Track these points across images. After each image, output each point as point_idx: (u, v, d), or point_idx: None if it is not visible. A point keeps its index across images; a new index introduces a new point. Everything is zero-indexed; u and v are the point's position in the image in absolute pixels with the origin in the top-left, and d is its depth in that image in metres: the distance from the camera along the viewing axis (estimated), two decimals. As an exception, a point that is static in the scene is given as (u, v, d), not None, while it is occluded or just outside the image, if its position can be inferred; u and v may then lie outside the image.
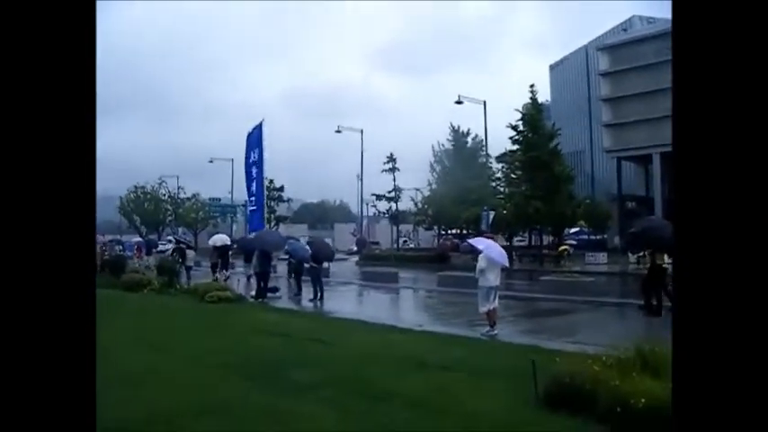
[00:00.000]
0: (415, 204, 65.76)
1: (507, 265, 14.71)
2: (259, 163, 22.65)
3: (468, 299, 22.05)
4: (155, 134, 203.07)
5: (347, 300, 23.25)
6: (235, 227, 69.52)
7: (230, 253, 30.05)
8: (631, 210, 68.37)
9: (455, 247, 51.02)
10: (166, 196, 79.91)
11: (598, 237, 65.72)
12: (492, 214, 47.48)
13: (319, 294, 20.93)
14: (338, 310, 17.85)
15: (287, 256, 24.45)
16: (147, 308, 16.61)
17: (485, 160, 65.59)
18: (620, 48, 79.38)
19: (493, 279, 13.33)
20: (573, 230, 64.20)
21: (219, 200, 69.20)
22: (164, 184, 79.75)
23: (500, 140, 61.78)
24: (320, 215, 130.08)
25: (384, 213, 66.85)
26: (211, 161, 67.58)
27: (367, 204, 66.65)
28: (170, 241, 35.59)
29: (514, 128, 52.67)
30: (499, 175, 58.77)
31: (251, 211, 24.68)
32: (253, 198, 23.96)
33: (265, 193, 23.46)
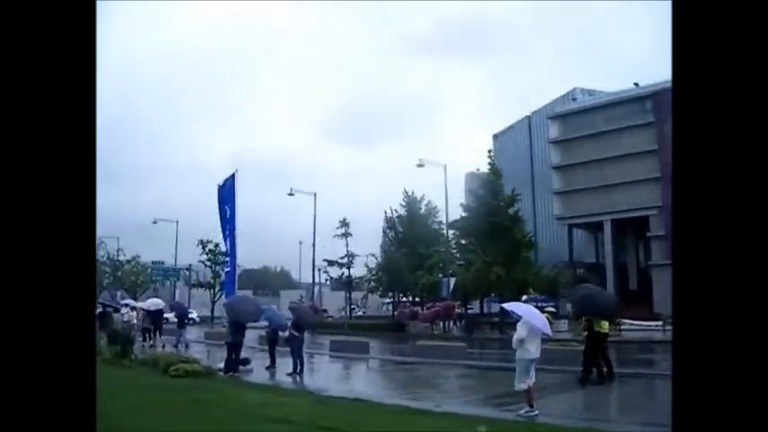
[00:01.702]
0: (369, 270, 63.80)
1: (550, 334, 12.90)
2: (231, 219, 20.47)
3: (463, 371, 20.39)
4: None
5: (328, 374, 20.96)
6: (177, 291, 66.69)
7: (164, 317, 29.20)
8: (582, 276, 67.36)
9: (413, 315, 48.91)
10: (105, 258, 76.27)
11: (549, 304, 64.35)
12: (452, 281, 45.79)
13: (299, 367, 18.61)
14: (327, 386, 15.41)
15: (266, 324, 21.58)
16: (101, 385, 14.08)
17: (438, 227, 64.68)
18: (570, 116, 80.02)
19: (534, 350, 11.38)
20: (523, 297, 62.88)
21: (163, 263, 66.36)
22: (102, 245, 76.13)
23: (450, 207, 61.55)
24: (260, 281, 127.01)
25: (335, 279, 64.67)
26: (155, 222, 64.98)
27: (319, 270, 64.29)
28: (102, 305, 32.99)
29: (474, 192, 51.77)
30: (452, 241, 57.53)
31: (227, 272, 22.18)
32: (228, 259, 21.74)
33: (236, 253, 20.72)
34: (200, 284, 69.72)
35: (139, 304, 41.48)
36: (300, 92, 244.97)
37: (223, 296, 65.79)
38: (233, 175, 20.45)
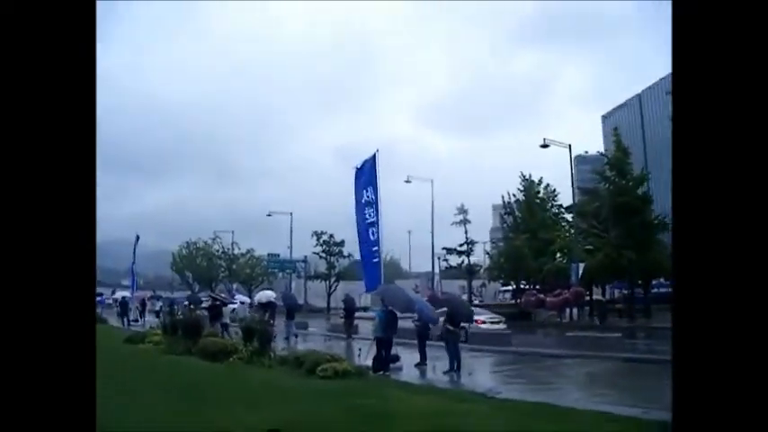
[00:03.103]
0: (491, 257, 61.61)
1: None
2: (375, 203, 18.95)
3: (637, 366, 18.07)
4: (210, 190, 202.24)
5: (484, 371, 18.73)
6: (294, 284, 66.42)
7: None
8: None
9: (540, 303, 46.43)
10: (220, 252, 77.10)
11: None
12: (582, 266, 43.05)
13: (456, 365, 16.85)
14: (494, 387, 13.60)
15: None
16: (244, 387, 12.63)
17: (557, 210, 61.87)
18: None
19: None
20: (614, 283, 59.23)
21: (278, 255, 66.13)
22: (217, 239, 77.05)
23: (566, 190, 58.90)
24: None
25: (452, 267, 62.79)
26: (269, 215, 64.64)
27: (439, 258, 62.52)
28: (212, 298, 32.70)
29: (600, 173, 48.85)
30: (572, 225, 54.76)
31: (373, 262, 20.14)
32: (376, 248, 19.57)
33: (381, 240, 18.86)
34: (315, 276, 69.34)
35: (248, 298, 41.08)
36: (408, 83, 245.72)
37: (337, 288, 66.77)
38: (373, 155, 18.64)
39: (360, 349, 16.44)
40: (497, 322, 28.52)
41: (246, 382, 13.18)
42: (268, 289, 43.41)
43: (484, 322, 27.36)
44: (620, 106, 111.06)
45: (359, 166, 19.48)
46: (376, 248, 19.34)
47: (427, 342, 18.44)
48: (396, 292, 18.58)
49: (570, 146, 44.60)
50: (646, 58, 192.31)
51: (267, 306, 27.78)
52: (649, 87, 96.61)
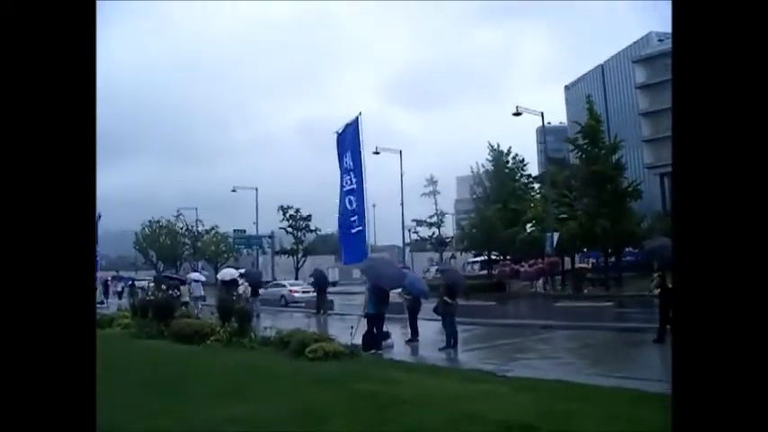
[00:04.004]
0: (462, 229, 60.88)
1: None
2: (356, 169, 17.38)
3: (634, 336, 17.36)
4: (172, 168, 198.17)
5: (482, 347, 17.48)
6: (261, 260, 65.10)
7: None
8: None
9: (514, 273, 45.81)
10: (184, 230, 75.33)
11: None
12: (556, 236, 42.43)
13: (453, 341, 15.82)
14: (500, 365, 12.56)
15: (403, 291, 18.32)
16: (230, 373, 11.46)
17: (527, 180, 61.44)
18: (658, 58, 75.00)
19: None
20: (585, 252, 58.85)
21: (244, 231, 64.68)
22: (181, 217, 75.19)
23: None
24: (336, 247, 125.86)
25: (422, 240, 61.96)
26: (234, 190, 63.17)
27: (409, 231, 61.58)
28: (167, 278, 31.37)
29: (572, 141, 48.19)
30: (540, 194, 54.23)
31: (351, 233, 18.37)
32: (355, 217, 17.84)
33: (366, 209, 17.23)
34: (282, 251, 68.03)
35: (202, 276, 39.75)
36: (371, 59, 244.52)
37: (303, 262, 65.50)
38: (356, 119, 17.09)
39: (352, 327, 15.18)
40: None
41: (231, 367, 12.05)
42: (232, 266, 42.29)
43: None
44: (583, 77, 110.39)
45: (339, 131, 18.01)
46: (355, 218, 17.63)
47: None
48: (383, 264, 17.31)
49: (543, 113, 43.94)
50: (607, 30, 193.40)
51: (231, 284, 27.32)
52: (611, 58, 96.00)
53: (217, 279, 31.62)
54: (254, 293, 29.25)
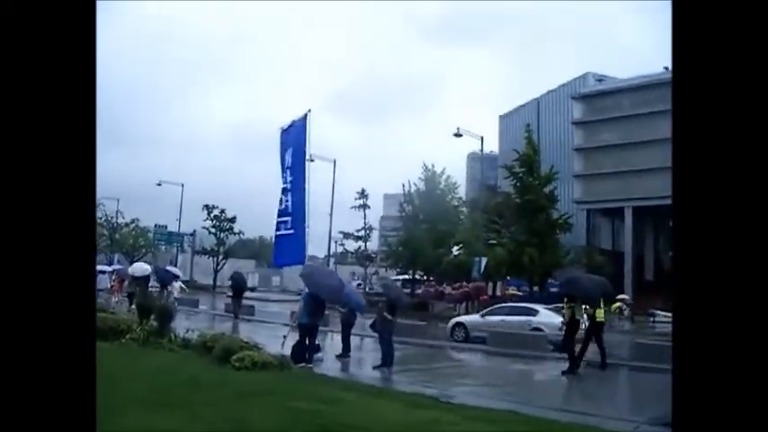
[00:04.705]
0: (389, 246, 60.27)
1: None
2: (296, 168, 16.15)
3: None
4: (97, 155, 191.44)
5: (418, 368, 16.52)
6: (180, 258, 63.15)
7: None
8: (599, 263, 63.30)
9: (439, 295, 45.43)
10: (102, 220, 72.42)
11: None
12: (484, 261, 42.22)
13: (388, 359, 14.90)
14: (448, 390, 11.62)
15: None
16: (147, 377, 10.28)
17: (457, 203, 61.41)
18: (595, 98, 76.58)
19: None
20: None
21: (166, 227, 62.64)
22: (101, 206, 72.22)
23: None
24: (257, 252, 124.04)
25: (348, 253, 61.01)
26: (159, 184, 61.15)
27: (336, 242, 60.62)
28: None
29: (509, 168, 48.25)
30: (469, 219, 54.21)
31: (283, 235, 16.96)
32: (287, 218, 16.40)
33: (307, 211, 15.79)
34: (204, 251, 66.26)
35: (107, 267, 38.12)
36: (308, 67, 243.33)
37: (224, 266, 63.83)
38: (305, 115, 15.85)
39: (285, 336, 14.16)
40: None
41: (151, 370, 10.89)
42: (145, 262, 40.73)
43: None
44: (518, 108, 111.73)
45: (284, 128, 16.87)
46: (287, 218, 16.23)
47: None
48: (324, 274, 16.30)
49: (482, 138, 43.76)
50: (542, 66, 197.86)
51: (142, 279, 26.81)
52: (548, 93, 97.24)
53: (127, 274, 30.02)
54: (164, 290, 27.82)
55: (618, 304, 37.74)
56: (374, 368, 14.77)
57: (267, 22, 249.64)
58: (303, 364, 13.50)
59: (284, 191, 16.47)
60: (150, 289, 26.74)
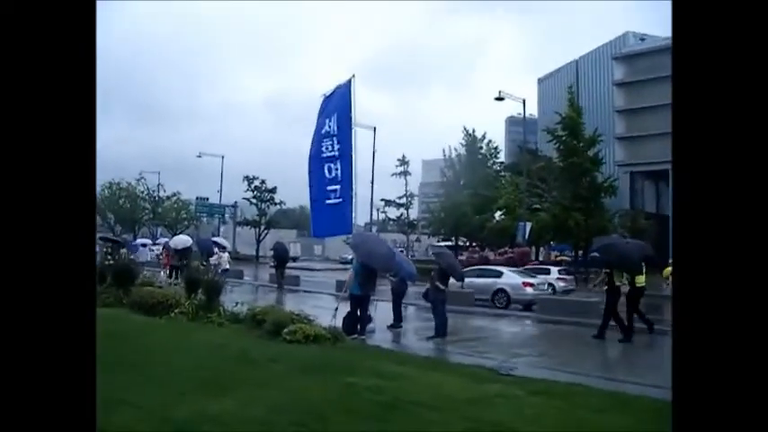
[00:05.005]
0: (431, 212, 59.79)
1: None
2: (342, 135, 15.47)
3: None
4: (137, 130, 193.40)
5: (472, 337, 15.80)
6: (222, 230, 63.45)
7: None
8: (643, 226, 62.18)
9: (484, 261, 44.91)
10: (145, 193, 72.96)
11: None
12: (528, 226, 41.58)
13: (442, 330, 14.50)
14: (507, 362, 11.21)
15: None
16: (200, 352, 10.03)
17: (499, 167, 60.63)
18: (637, 57, 74.85)
19: None
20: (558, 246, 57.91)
21: (207, 199, 62.86)
22: (143, 180, 72.79)
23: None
24: (298, 222, 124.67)
25: (391, 220, 60.67)
26: (199, 156, 61.33)
27: (377, 210, 60.29)
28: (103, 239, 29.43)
29: (552, 132, 47.31)
30: (511, 183, 53.32)
31: (327, 204, 16.13)
32: (335, 186, 15.66)
33: (355, 179, 15.16)
34: (245, 222, 66.46)
35: (149, 240, 38.02)
36: (344, 39, 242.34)
37: (267, 236, 63.88)
38: (348, 81, 15.09)
39: (336, 308, 13.84)
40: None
41: (201, 346, 10.68)
42: (188, 234, 40.91)
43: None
44: (557, 71, 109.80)
45: (327, 94, 16.09)
46: (335, 187, 15.57)
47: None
48: (375, 242, 15.82)
49: (524, 100, 42.83)
50: (580, 28, 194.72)
51: (184, 252, 26.81)
52: (587, 54, 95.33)
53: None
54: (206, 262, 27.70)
55: (671, 269, 36.95)
56: (428, 339, 14.41)
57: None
58: (355, 336, 13.24)
59: (331, 159, 15.87)
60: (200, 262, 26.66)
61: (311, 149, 16.58)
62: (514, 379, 9.28)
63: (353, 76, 15.17)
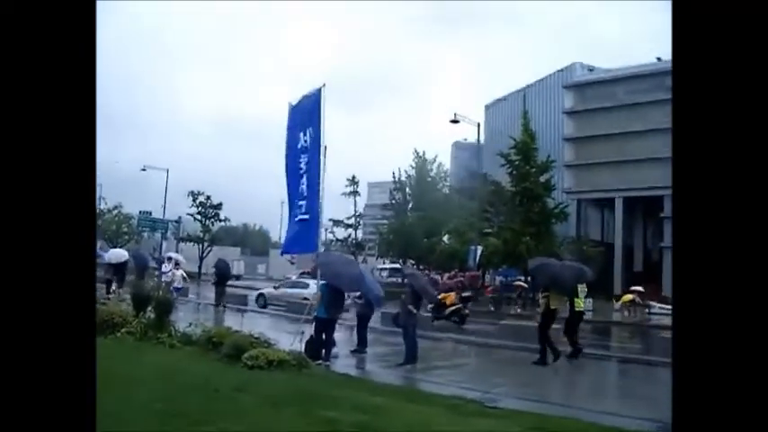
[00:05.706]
0: (380, 234, 59.11)
1: None
2: (313, 149, 14.41)
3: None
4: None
5: (443, 365, 15.13)
6: (165, 245, 61.70)
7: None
8: (589, 254, 62.46)
9: (433, 284, 44.21)
10: (84, 206, 70.73)
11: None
12: (480, 250, 41.28)
13: (412, 356, 13.60)
14: (487, 392, 10.40)
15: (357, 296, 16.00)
16: (155, 377, 9.08)
17: (448, 191, 60.49)
18: (587, 86, 75.72)
19: None
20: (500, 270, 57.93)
21: (150, 213, 61.09)
22: (81, 192, 70.58)
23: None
24: (242, 239, 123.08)
25: (341, 241, 59.66)
26: (144, 169, 59.76)
27: (325, 230, 59.30)
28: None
29: (505, 156, 47.17)
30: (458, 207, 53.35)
31: (295, 221, 15.05)
32: (303, 202, 14.61)
33: (322, 195, 14.06)
34: (188, 238, 64.92)
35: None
36: (292, 58, 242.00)
37: (206, 251, 62.41)
38: (318, 90, 14.43)
39: (302, 332, 12.92)
40: None
41: (155, 370, 9.69)
42: (128, 249, 39.84)
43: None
44: (504, 98, 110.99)
45: (294, 104, 15.17)
46: (303, 203, 14.91)
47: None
48: (343, 262, 14.97)
49: (479, 124, 42.69)
50: (523, 58, 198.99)
51: (119, 266, 26.78)
52: (535, 83, 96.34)
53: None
54: (140, 277, 26.56)
55: (630, 296, 37.38)
56: (398, 365, 13.49)
57: (253, 9, 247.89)
58: (320, 362, 12.34)
59: (296, 173, 14.89)
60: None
61: (287, 164, 15.56)
62: (502, 412, 8.57)
63: (324, 85, 14.25)
